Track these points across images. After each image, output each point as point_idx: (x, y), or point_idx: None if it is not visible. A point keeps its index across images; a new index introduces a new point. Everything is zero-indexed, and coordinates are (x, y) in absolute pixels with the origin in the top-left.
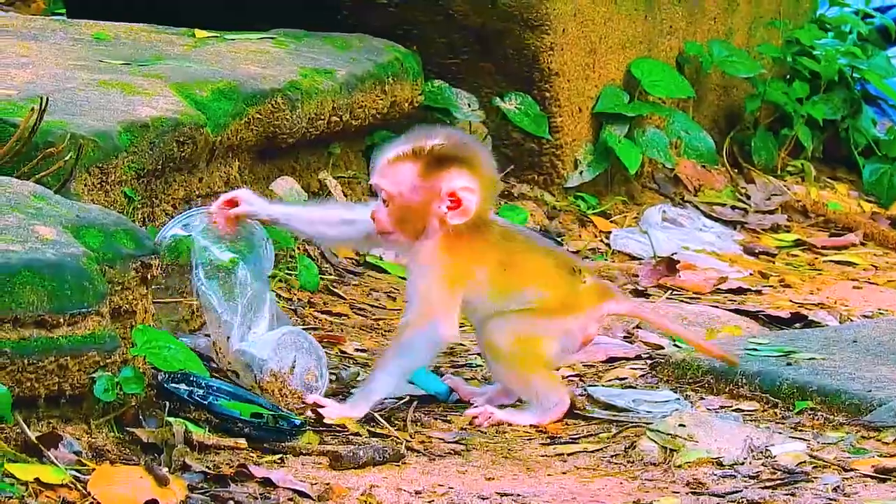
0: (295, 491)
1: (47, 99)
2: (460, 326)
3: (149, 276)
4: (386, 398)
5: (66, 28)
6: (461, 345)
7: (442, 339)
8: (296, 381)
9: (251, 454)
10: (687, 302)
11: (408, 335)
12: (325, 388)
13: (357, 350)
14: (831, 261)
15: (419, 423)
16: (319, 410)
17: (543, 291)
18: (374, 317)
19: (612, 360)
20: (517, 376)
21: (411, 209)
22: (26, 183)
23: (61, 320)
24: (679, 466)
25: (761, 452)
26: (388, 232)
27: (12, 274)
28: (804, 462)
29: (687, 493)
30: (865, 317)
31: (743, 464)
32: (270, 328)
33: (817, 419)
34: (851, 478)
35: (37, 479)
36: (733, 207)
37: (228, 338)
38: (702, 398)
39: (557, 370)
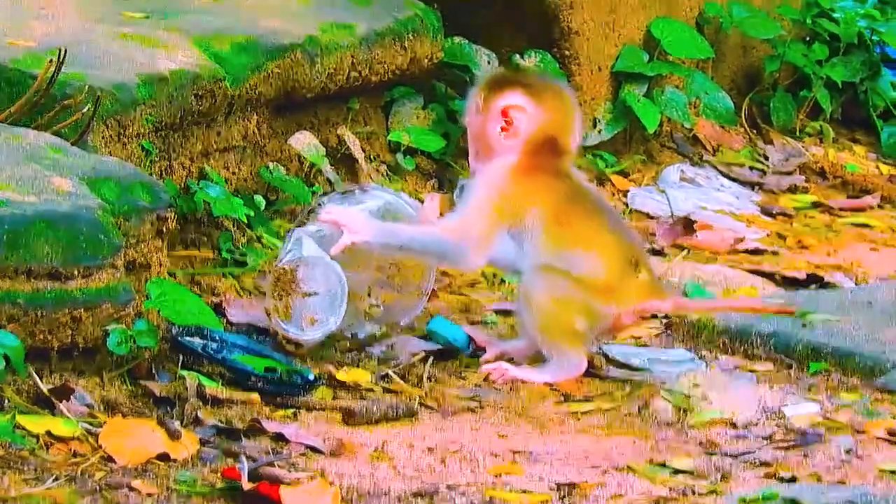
0: (307, 446)
1: (65, 50)
2: (475, 284)
3: (164, 230)
4: (387, 243)
5: None
6: (477, 300)
7: (464, 264)
8: (298, 303)
9: (264, 408)
10: (703, 262)
11: (440, 235)
12: (307, 339)
13: (373, 306)
14: (848, 223)
15: (433, 380)
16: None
17: (593, 266)
18: (388, 273)
19: None
20: (543, 329)
21: (477, 134)
22: (43, 134)
23: (75, 272)
24: (692, 426)
25: (775, 413)
26: (473, 165)
27: (27, 225)
28: (817, 424)
29: (700, 453)
30: (881, 279)
31: (756, 425)
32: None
33: (831, 381)
34: (864, 440)
35: (48, 432)
36: (751, 168)
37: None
38: (716, 358)
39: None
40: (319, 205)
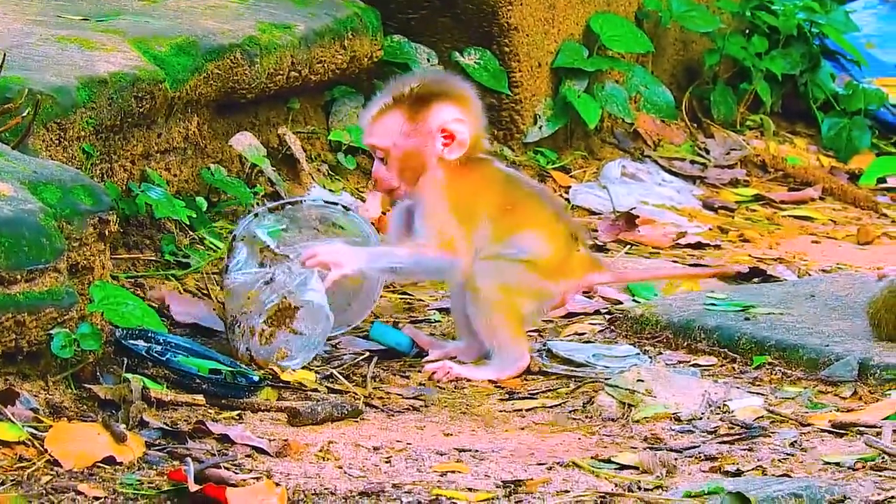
0: (253, 447)
1: (4, 55)
2: (417, 283)
3: (107, 233)
4: (380, 268)
5: None
6: (420, 300)
7: (455, 278)
8: (281, 336)
9: (209, 410)
10: (646, 257)
11: (432, 251)
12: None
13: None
14: (790, 215)
15: (378, 379)
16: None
17: (541, 246)
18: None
19: (571, 315)
20: (489, 321)
21: (409, 156)
22: None
23: (18, 276)
24: (637, 421)
25: (719, 407)
26: (393, 188)
27: None
28: (762, 417)
29: (645, 448)
30: (824, 271)
31: (701, 419)
32: None
33: (775, 374)
34: (809, 432)
35: None
36: (692, 162)
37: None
38: (660, 353)
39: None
40: (257, 215)
